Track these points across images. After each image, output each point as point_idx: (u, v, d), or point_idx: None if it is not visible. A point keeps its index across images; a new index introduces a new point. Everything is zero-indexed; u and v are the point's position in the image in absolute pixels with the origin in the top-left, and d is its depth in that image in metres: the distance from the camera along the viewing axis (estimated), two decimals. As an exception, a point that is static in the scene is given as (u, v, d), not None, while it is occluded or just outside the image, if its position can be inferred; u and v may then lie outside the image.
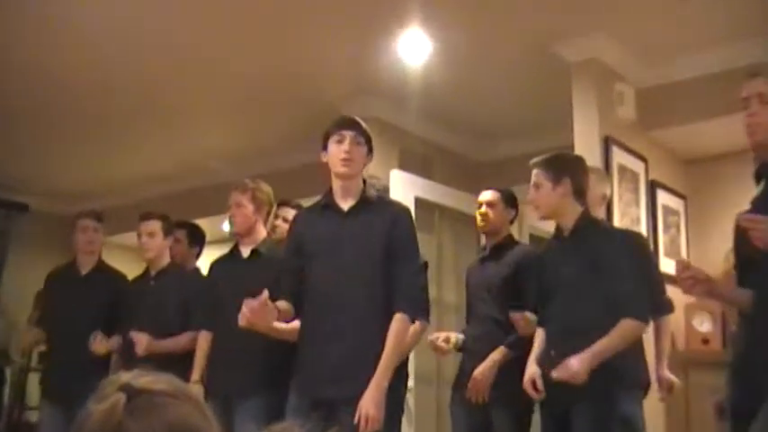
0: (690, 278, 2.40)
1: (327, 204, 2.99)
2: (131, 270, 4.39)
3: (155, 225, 4.00)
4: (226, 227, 3.79)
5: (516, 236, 5.70)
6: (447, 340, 3.77)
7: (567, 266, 3.03)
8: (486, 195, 3.84)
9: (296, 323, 3.01)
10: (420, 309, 3.03)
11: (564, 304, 3.01)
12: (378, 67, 4.86)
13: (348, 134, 2.91)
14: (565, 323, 2.99)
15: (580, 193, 3.11)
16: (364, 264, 2.84)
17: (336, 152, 2.91)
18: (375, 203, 2.95)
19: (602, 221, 3.44)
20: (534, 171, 3.14)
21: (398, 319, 2.78)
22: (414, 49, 4.54)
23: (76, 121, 5.87)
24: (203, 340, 3.63)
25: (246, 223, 3.60)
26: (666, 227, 4.91)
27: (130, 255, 5.98)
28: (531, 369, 3.10)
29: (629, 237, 3.47)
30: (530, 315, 3.46)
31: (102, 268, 4.34)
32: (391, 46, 4.54)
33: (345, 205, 2.95)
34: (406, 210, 3.00)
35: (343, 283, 2.84)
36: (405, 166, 5.47)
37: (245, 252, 3.60)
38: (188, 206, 6.56)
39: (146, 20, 4.34)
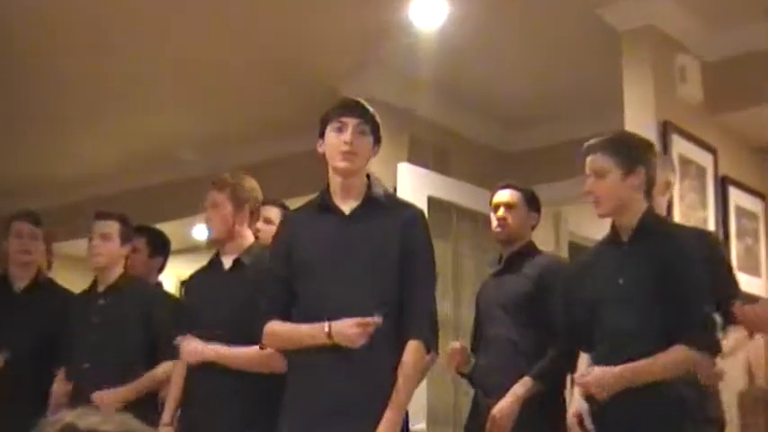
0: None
1: (324, 205, 2.97)
2: (79, 287, 4.29)
3: (111, 226, 3.96)
4: (201, 233, 3.71)
5: (552, 243, 5.64)
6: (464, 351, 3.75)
7: (625, 277, 2.99)
8: (504, 195, 3.78)
9: (251, 348, 3.10)
10: (437, 335, 3.06)
11: (618, 323, 2.96)
12: (383, 37, 4.84)
13: (351, 122, 2.89)
14: (618, 347, 2.94)
15: (650, 187, 3.08)
16: (374, 278, 2.82)
17: (336, 143, 2.88)
18: (384, 204, 2.95)
19: (671, 220, 3.39)
20: (594, 156, 3.06)
21: (415, 348, 2.77)
22: (427, 14, 4.55)
23: (8, 101, 5.82)
24: (177, 373, 3.57)
25: (225, 227, 3.53)
26: (741, 233, 4.90)
27: (79, 267, 5.90)
28: (577, 403, 3.08)
29: (705, 239, 3.46)
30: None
31: (41, 283, 4.28)
32: (400, 10, 4.53)
33: (347, 207, 2.93)
34: (421, 213, 3.00)
35: (347, 302, 2.79)
36: (415, 158, 5.45)
37: (227, 263, 3.54)
38: (151, 206, 6.57)
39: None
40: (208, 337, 3.32)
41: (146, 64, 5.31)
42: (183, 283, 3.78)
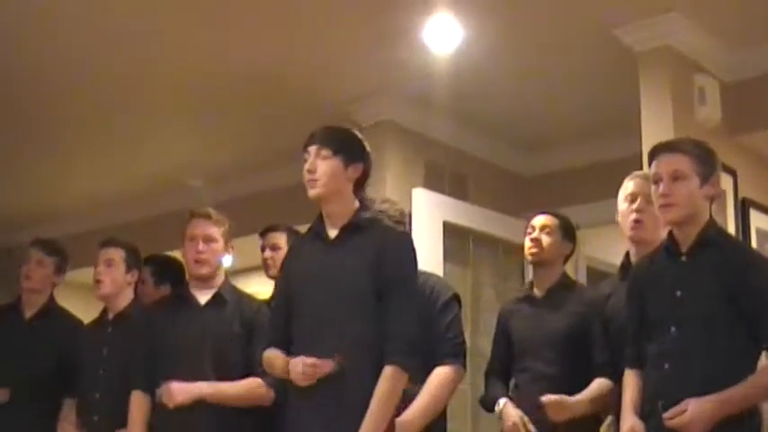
0: None
1: (315, 231, 3.04)
2: (87, 316, 4.35)
3: (116, 253, 4.01)
4: (227, 260, 3.79)
5: (570, 268, 5.63)
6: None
7: (689, 290, 2.88)
8: (540, 219, 3.85)
9: (245, 381, 3.20)
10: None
11: (682, 340, 2.85)
12: (398, 61, 4.87)
13: (311, 149, 2.95)
14: (682, 365, 2.84)
15: (714, 199, 3.00)
16: (347, 307, 2.86)
17: (303, 173, 2.95)
18: (366, 229, 2.95)
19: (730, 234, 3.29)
20: (672, 157, 2.92)
21: (387, 375, 2.78)
22: (442, 37, 4.56)
23: (16, 130, 5.89)
24: (137, 404, 3.59)
25: (216, 263, 3.63)
26: (763, 257, 4.85)
27: (86, 295, 5.96)
28: (630, 421, 2.95)
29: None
30: (565, 398, 3.44)
31: (50, 311, 4.33)
32: (414, 34, 4.56)
33: (333, 233, 2.98)
34: (402, 235, 3.03)
35: (326, 330, 2.87)
36: (431, 183, 5.49)
37: (202, 298, 3.61)
38: (159, 235, 6.55)
39: (109, 4, 4.36)
40: (190, 373, 3.40)
41: (154, 92, 5.36)
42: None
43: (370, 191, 5.17)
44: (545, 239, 3.78)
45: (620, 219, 3.41)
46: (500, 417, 3.65)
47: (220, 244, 3.62)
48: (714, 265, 2.84)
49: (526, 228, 3.87)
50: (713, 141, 4.52)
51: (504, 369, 3.86)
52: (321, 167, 2.91)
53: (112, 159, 6.53)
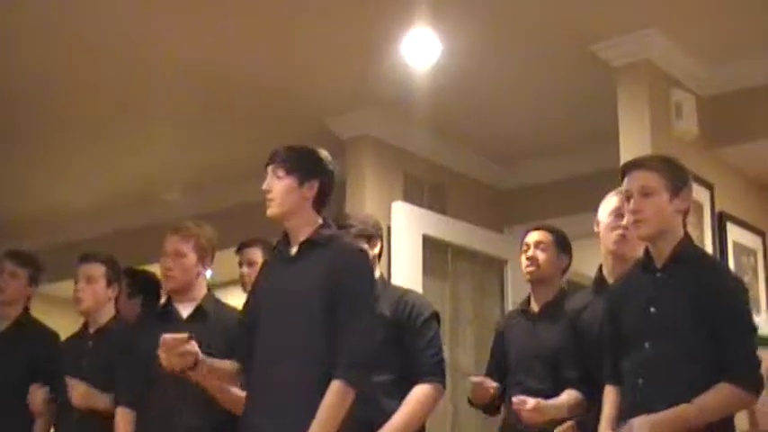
0: None
1: (279, 248, 3.12)
2: (64, 329, 4.34)
3: (96, 268, 3.99)
4: (208, 274, 3.77)
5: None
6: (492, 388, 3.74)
7: (663, 306, 2.90)
8: (534, 235, 3.89)
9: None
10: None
11: (656, 356, 2.88)
12: (377, 74, 4.88)
13: (269, 168, 3.04)
14: (656, 380, 2.87)
15: (687, 213, 3.02)
16: (300, 323, 2.90)
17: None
18: (323, 245, 2.99)
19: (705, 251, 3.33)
20: (640, 173, 2.96)
21: (332, 389, 2.80)
22: (421, 51, 4.58)
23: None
24: (122, 420, 3.57)
25: (186, 278, 3.60)
26: (739, 270, 4.87)
27: (63, 309, 5.93)
28: None
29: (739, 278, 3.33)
30: (490, 382, 3.53)
31: (23, 323, 4.31)
32: (393, 48, 4.58)
33: (294, 250, 3.04)
34: (356, 251, 3.04)
35: (279, 345, 2.93)
36: (410, 196, 5.50)
37: (184, 311, 3.61)
38: (138, 248, 6.53)
39: (81, 10, 4.34)
40: (173, 386, 3.36)
41: (131, 104, 5.33)
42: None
43: (349, 203, 5.25)
44: (541, 256, 3.82)
45: (601, 232, 3.40)
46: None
47: (190, 258, 3.59)
48: (687, 282, 2.87)
49: (521, 245, 3.90)
50: (690, 155, 4.61)
51: (498, 380, 3.85)
52: (276, 187, 2.99)
53: (89, 172, 6.51)
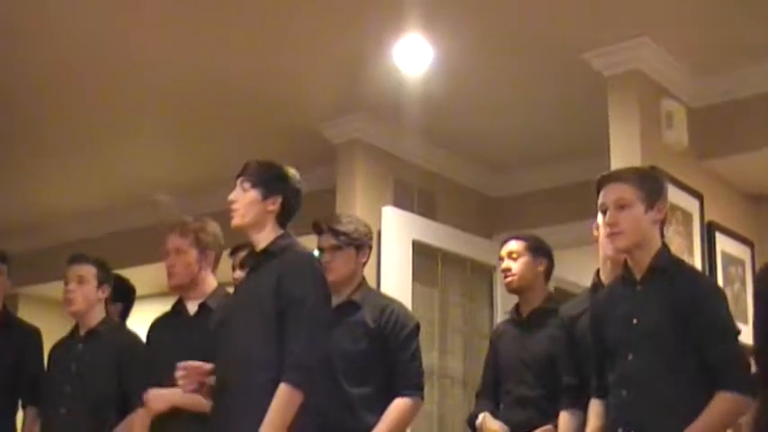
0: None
1: (248, 259, 3.25)
2: (55, 330, 4.34)
3: (87, 269, 4.00)
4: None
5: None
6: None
7: (644, 318, 2.91)
8: (507, 247, 3.91)
9: None
10: (311, 377, 2.97)
11: (639, 367, 2.89)
12: (368, 80, 4.89)
13: (237, 181, 3.16)
14: (640, 392, 2.87)
15: (664, 224, 3.07)
16: (251, 332, 3.00)
17: None
18: (277, 255, 3.08)
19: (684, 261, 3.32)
20: (615, 186, 2.99)
21: (278, 393, 2.86)
22: (412, 57, 4.59)
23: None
24: (141, 424, 3.57)
25: (188, 274, 3.61)
26: (728, 280, 4.91)
27: (53, 310, 5.93)
28: None
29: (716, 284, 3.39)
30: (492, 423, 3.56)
31: (5, 321, 4.31)
32: (385, 54, 4.58)
33: (255, 262, 3.19)
34: (303, 257, 3.11)
35: (230, 355, 3.04)
36: (400, 201, 5.49)
37: (192, 308, 3.62)
38: (129, 250, 6.53)
39: (71, 15, 4.35)
40: (172, 383, 3.36)
41: (121, 106, 5.33)
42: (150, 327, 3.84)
43: (339, 208, 5.25)
44: (514, 266, 3.85)
45: (600, 237, 3.39)
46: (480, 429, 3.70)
47: (191, 254, 3.60)
48: (665, 292, 2.90)
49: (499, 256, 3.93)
50: (680, 165, 4.63)
51: (493, 391, 3.90)
52: (240, 199, 3.11)
53: (77, 173, 6.49)
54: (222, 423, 2.97)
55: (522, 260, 3.85)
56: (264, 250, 3.10)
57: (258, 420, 2.82)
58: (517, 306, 3.95)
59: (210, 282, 3.66)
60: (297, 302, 2.94)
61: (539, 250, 3.91)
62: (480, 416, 3.73)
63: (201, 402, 3.32)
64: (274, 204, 3.11)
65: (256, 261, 3.13)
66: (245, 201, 3.10)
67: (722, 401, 2.76)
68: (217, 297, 3.61)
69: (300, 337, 2.91)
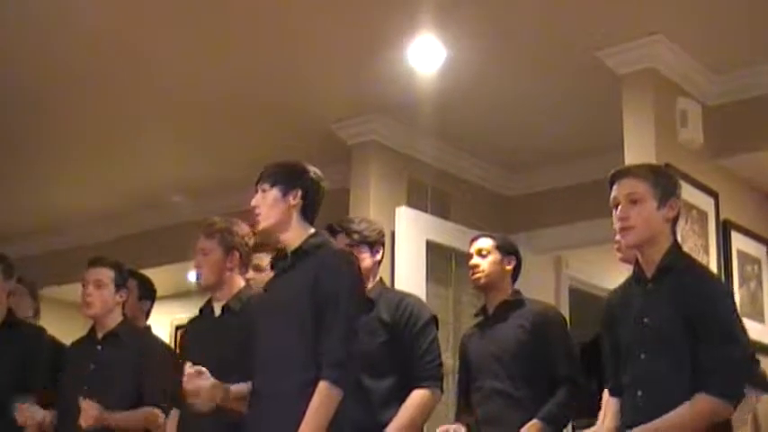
0: None
1: (277, 260, 3.18)
2: (72, 332, 4.34)
3: (105, 273, 3.99)
4: (194, 277, 3.78)
5: (551, 289, 5.59)
6: None
7: (654, 317, 2.90)
8: (476, 244, 3.90)
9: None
10: (349, 374, 2.95)
11: (651, 367, 2.88)
12: (382, 80, 4.89)
13: (257, 187, 3.12)
14: (653, 392, 2.87)
15: (676, 222, 3.02)
16: (287, 331, 2.96)
17: None
18: (311, 254, 3.04)
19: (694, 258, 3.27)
20: (629, 181, 2.97)
21: (318, 390, 2.83)
22: (426, 58, 4.60)
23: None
24: (171, 423, 3.58)
25: (215, 274, 3.59)
26: (744, 279, 4.91)
27: (70, 312, 5.94)
28: None
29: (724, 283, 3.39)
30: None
31: (11, 323, 4.30)
32: (399, 54, 4.59)
33: (289, 261, 3.11)
34: (339, 255, 3.10)
35: (268, 357, 3.00)
36: (414, 202, 5.49)
37: (218, 309, 3.61)
38: (145, 251, 6.55)
39: (85, 15, 4.35)
40: None
41: (137, 108, 5.34)
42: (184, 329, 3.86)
43: (354, 208, 5.24)
44: (483, 263, 3.82)
45: None
46: None
47: (216, 254, 3.58)
48: (674, 291, 2.87)
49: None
50: (695, 164, 4.61)
51: (467, 391, 3.88)
52: (263, 201, 3.08)
53: (94, 175, 6.51)
54: (260, 424, 2.93)
55: (492, 258, 3.83)
56: (298, 249, 3.05)
57: (297, 420, 2.79)
58: (483, 307, 3.91)
59: (237, 282, 3.64)
60: (334, 300, 2.91)
61: (507, 248, 3.88)
62: (452, 429, 3.68)
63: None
64: (296, 198, 3.06)
65: (290, 261, 3.07)
66: (266, 202, 3.06)
67: (699, 402, 2.74)
68: (240, 297, 3.59)
69: (338, 335, 2.88)
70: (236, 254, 3.63)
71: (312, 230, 3.09)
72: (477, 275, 3.83)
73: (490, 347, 3.75)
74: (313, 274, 2.95)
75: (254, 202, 3.08)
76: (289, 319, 2.96)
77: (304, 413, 2.79)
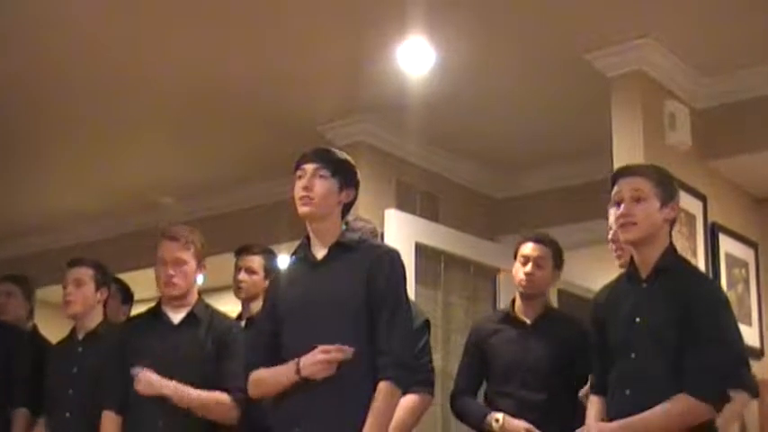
0: None
1: (301, 252, 3.05)
2: (55, 334, 4.32)
3: (84, 272, 3.98)
4: (200, 279, 3.73)
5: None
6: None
7: (647, 317, 2.92)
8: (536, 250, 3.77)
9: (212, 393, 3.33)
10: (411, 375, 2.97)
11: (641, 366, 2.90)
12: (371, 82, 4.89)
13: (309, 167, 2.96)
14: (641, 391, 2.88)
15: (673, 224, 3.06)
16: (340, 324, 2.86)
17: (296, 190, 2.97)
18: (354, 248, 2.97)
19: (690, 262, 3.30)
20: (633, 179, 2.99)
21: (382, 389, 2.78)
22: (415, 60, 4.60)
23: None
24: (111, 424, 3.54)
25: (188, 284, 3.58)
26: (732, 282, 4.92)
27: (55, 313, 5.91)
28: None
29: (719, 287, 3.38)
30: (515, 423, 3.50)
31: None
32: (388, 56, 4.58)
33: (320, 254, 2.99)
34: (391, 252, 3.02)
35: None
36: (403, 204, 5.49)
37: (176, 317, 3.58)
38: (131, 252, 6.52)
39: (78, 17, 4.34)
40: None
41: (129, 109, 5.33)
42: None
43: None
44: (538, 274, 3.74)
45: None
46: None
47: (191, 265, 3.57)
48: (670, 293, 2.89)
49: (515, 253, 3.81)
50: (683, 166, 4.61)
51: (477, 388, 3.84)
52: (318, 186, 2.93)
53: (82, 175, 6.49)
54: (313, 428, 2.82)
55: (547, 269, 3.75)
56: (337, 243, 2.95)
57: (353, 420, 2.74)
58: (512, 308, 3.85)
59: (195, 292, 3.65)
60: (393, 300, 2.87)
61: (559, 261, 3.82)
62: (499, 417, 3.64)
63: (193, 399, 3.35)
64: (348, 197, 2.99)
65: (329, 253, 2.96)
66: (322, 189, 2.92)
67: (677, 402, 2.77)
68: (202, 307, 3.60)
69: (400, 335, 2.84)
70: (203, 263, 3.63)
71: (343, 225, 3.02)
72: (530, 284, 3.74)
73: (529, 359, 3.68)
74: (364, 272, 2.89)
75: (307, 183, 2.93)
76: (332, 315, 2.86)
77: (357, 412, 2.74)
